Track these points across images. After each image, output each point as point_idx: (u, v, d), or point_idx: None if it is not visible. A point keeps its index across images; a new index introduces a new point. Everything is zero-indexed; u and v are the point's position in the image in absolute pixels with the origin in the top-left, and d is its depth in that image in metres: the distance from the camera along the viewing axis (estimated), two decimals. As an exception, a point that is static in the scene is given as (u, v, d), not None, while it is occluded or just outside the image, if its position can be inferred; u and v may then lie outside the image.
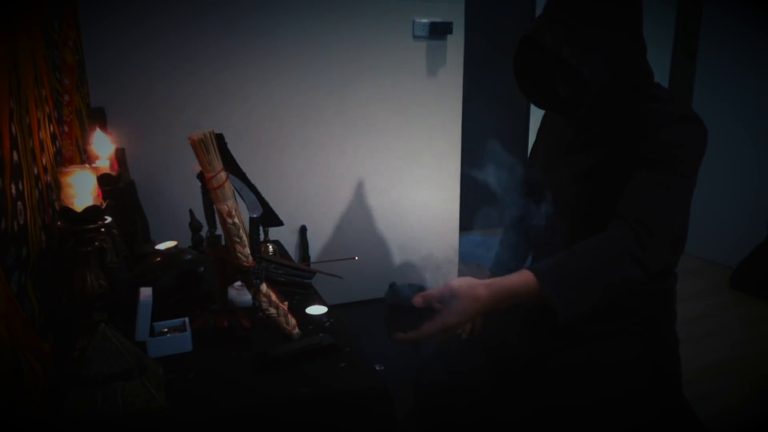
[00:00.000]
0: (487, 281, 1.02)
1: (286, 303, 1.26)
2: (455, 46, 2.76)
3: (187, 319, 1.23)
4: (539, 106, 1.26)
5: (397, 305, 1.00)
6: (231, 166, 1.15)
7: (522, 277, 1.01)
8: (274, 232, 1.78)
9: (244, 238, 1.13)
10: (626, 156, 1.10)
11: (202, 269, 1.36)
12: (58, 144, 1.53)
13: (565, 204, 1.21)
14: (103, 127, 1.95)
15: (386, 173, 2.78)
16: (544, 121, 1.40)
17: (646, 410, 1.12)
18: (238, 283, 1.37)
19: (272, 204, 1.31)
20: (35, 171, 1.20)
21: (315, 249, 2.74)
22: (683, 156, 1.08)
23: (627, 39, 1.09)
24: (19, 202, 1.05)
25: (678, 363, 1.23)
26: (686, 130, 1.09)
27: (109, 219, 1.09)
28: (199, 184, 1.15)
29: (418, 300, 1.00)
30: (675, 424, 1.18)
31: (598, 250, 1.04)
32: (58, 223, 1.05)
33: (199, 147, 1.06)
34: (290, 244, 2.68)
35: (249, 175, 1.22)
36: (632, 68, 1.12)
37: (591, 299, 0.99)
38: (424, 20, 2.66)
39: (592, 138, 1.18)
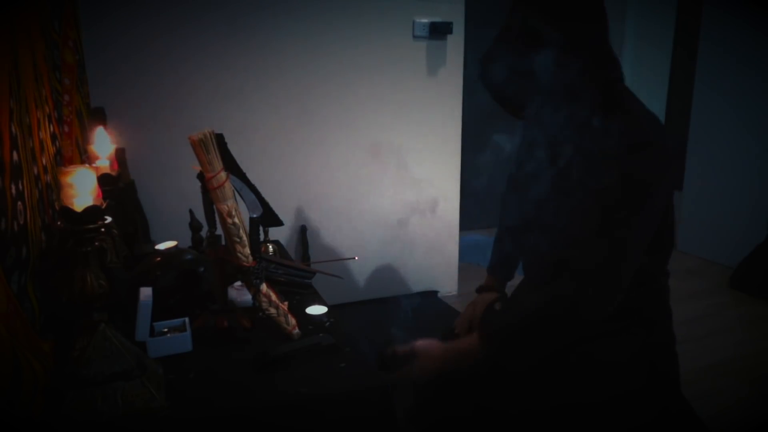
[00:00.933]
0: (444, 345, 1.19)
1: (286, 303, 1.26)
2: (455, 46, 2.76)
3: (187, 319, 1.23)
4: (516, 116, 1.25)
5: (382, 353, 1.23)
6: (231, 166, 1.15)
7: (472, 341, 1.16)
8: (274, 232, 1.78)
9: (244, 238, 1.13)
10: (596, 176, 1.09)
11: (202, 269, 1.36)
12: (58, 144, 1.53)
13: (545, 217, 1.21)
14: (104, 126, 1.95)
15: (386, 173, 2.78)
16: (524, 135, 1.39)
17: (644, 409, 1.12)
18: (238, 283, 1.37)
19: (272, 204, 1.31)
20: (35, 171, 1.20)
21: (315, 249, 2.74)
22: (644, 192, 1.06)
23: (593, 53, 1.08)
24: (19, 202, 1.05)
25: (675, 361, 1.22)
26: (649, 159, 1.06)
27: (109, 219, 1.09)
28: (199, 184, 1.15)
29: (388, 352, 1.20)
30: (675, 424, 1.18)
31: (542, 307, 1.12)
32: (58, 223, 1.05)
33: (199, 147, 1.06)
34: (290, 244, 2.68)
35: (249, 175, 1.22)
36: (598, 84, 1.10)
37: (534, 355, 1.12)
38: (424, 20, 2.66)
39: (565, 153, 1.17)
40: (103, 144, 1.56)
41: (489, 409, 1.21)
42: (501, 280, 1.49)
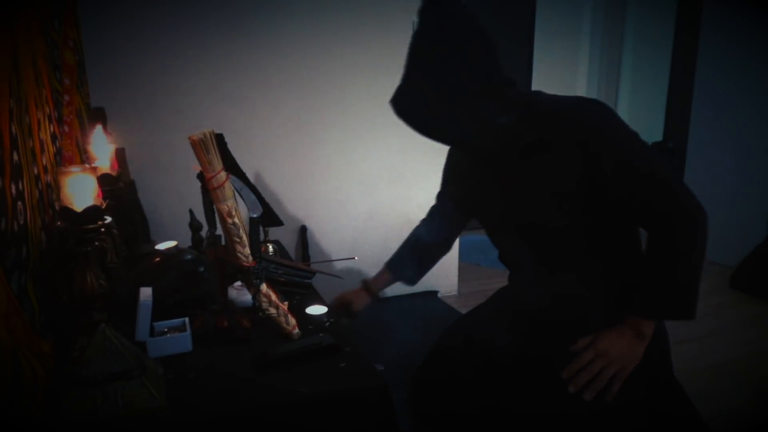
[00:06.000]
0: None
1: (286, 303, 1.26)
2: (455, 46, 2.75)
3: (187, 319, 1.23)
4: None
5: None
6: (231, 166, 1.15)
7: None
8: (274, 232, 1.78)
9: (244, 238, 1.13)
10: (557, 172, 1.09)
11: (202, 269, 1.36)
12: (58, 144, 1.53)
13: (518, 227, 1.20)
14: (104, 127, 1.95)
15: (386, 173, 2.78)
16: (451, 159, 1.42)
17: (640, 411, 1.11)
18: (238, 283, 1.37)
19: (272, 204, 1.31)
20: (35, 171, 1.20)
21: (315, 249, 2.74)
22: (612, 133, 1.06)
23: (483, 74, 1.05)
24: (19, 202, 1.05)
25: (668, 363, 1.21)
26: (588, 111, 1.07)
27: (109, 219, 1.09)
28: (199, 184, 1.15)
29: None
30: (679, 427, 1.17)
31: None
32: (58, 223, 1.05)
33: (199, 147, 1.06)
34: (290, 244, 2.68)
35: (249, 175, 1.22)
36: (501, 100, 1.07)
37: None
38: (424, 20, 2.65)
39: (503, 164, 1.16)
40: (102, 144, 1.56)
41: (489, 407, 1.21)
42: (391, 281, 1.47)
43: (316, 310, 1.35)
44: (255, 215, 1.15)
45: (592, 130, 1.06)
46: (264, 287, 1.17)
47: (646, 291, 1.09)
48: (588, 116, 1.07)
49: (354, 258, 2.58)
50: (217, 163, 1.09)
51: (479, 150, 1.15)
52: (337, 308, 1.43)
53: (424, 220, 1.50)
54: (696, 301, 1.08)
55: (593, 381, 1.08)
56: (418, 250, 1.46)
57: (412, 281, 1.47)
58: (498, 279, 1.84)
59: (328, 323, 1.32)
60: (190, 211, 1.70)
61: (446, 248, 1.48)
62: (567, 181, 1.08)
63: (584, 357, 1.10)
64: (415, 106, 1.12)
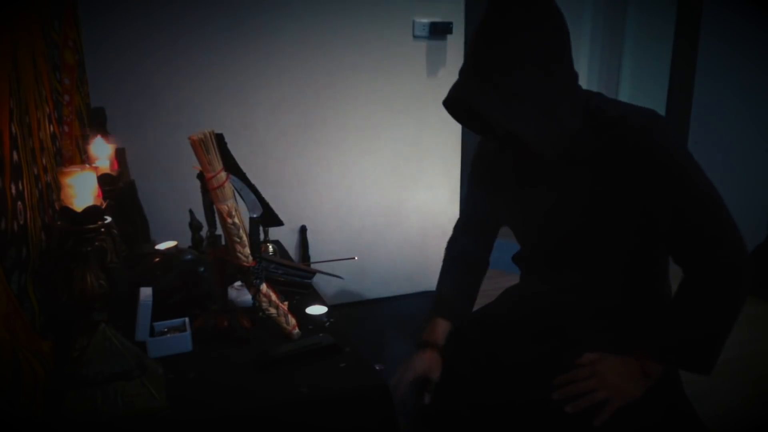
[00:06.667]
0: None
1: (286, 303, 1.26)
2: (455, 46, 2.75)
3: (187, 319, 1.23)
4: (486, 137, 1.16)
5: None
6: (231, 166, 1.15)
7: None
8: (274, 232, 1.78)
9: (244, 238, 1.13)
10: (602, 180, 1.05)
11: (202, 269, 1.36)
12: (58, 144, 1.53)
13: (542, 231, 1.18)
14: (103, 127, 1.96)
15: (386, 173, 2.78)
16: (482, 150, 1.30)
17: (651, 409, 1.12)
18: (238, 283, 1.37)
19: (272, 204, 1.31)
20: (35, 171, 1.20)
21: (315, 249, 2.74)
22: (677, 157, 1.02)
23: (557, 74, 0.98)
24: (19, 202, 1.05)
25: None
26: (654, 128, 1.00)
27: (109, 219, 1.09)
28: (199, 184, 1.15)
29: None
30: (676, 425, 1.17)
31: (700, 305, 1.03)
32: (58, 223, 1.05)
33: (199, 147, 1.06)
34: (290, 244, 2.68)
35: (249, 175, 1.22)
36: (569, 99, 1.02)
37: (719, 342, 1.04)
38: (424, 20, 2.65)
39: (553, 169, 1.10)
40: (102, 144, 1.56)
41: (490, 406, 1.21)
42: (451, 328, 1.31)
43: (316, 310, 1.35)
44: (255, 215, 1.15)
45: (654, 154, 1.00)
46: (264, 287, 1.18)
47: (664, 335, 1.04)
48: (654, 138, 1.00)
49: (354, 258, 2.58)
50: (217, 163, 1.09)
51: (537, 153, 1.03)
52: (412, 385, 1.24)
53: (453, 243, 1.43)
54: (717, 358, 1.02)
55: (580, 397, 1.05)
56: (463, 281, 1.38)
57: (466, 316, 1.35)
58: (498, 279, 1.84)
59: (328, 323, 1.32)
60: (190, 211, 1.70)
61: (486, 264, 1.40)
62: (610, 196, 1.04)
63: (580, 372, 1.07)
64: (486, 100, 0.98)
